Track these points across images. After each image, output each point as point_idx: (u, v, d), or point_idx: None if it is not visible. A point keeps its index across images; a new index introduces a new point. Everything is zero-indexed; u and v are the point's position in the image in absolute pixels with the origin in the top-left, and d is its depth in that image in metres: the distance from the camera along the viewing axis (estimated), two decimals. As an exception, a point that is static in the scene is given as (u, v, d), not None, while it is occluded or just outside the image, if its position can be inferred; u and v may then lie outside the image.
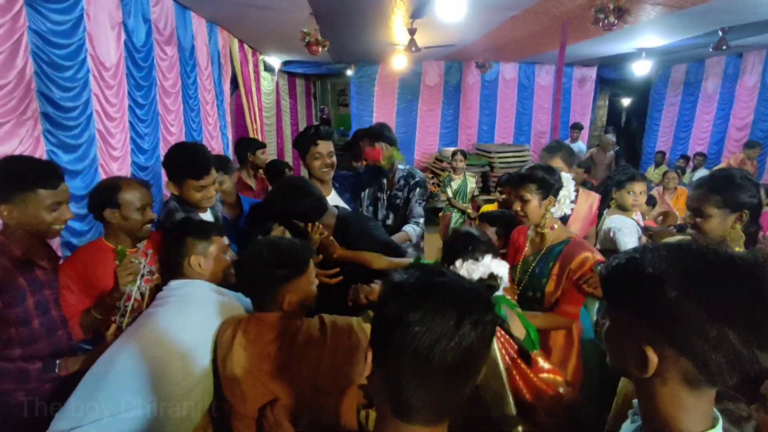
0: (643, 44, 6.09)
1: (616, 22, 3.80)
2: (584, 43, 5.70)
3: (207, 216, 1.94)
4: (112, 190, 1.54)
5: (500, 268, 1.39)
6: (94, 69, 2.46)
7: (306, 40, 4.42)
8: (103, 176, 2.48)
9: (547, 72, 8.26)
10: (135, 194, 1.55)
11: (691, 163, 6.87)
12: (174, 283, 1.41)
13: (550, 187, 1.69)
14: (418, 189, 2.73)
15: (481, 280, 1.35)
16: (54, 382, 1.38)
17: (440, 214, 5.16)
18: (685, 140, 8.03)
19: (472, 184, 4.95)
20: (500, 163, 7.24)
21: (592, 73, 8.52)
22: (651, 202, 4.25)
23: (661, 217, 4.11)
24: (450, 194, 4.84)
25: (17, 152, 1.94)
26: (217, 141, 4.43)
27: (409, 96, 8.24)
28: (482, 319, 0.65)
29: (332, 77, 10.53)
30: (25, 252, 1.37)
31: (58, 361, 1.38)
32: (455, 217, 4.83)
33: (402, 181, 2.72)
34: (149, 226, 1.61)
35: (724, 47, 5.17)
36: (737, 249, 1.49)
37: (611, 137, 7.16)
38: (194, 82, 3.85)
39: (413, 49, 4.90)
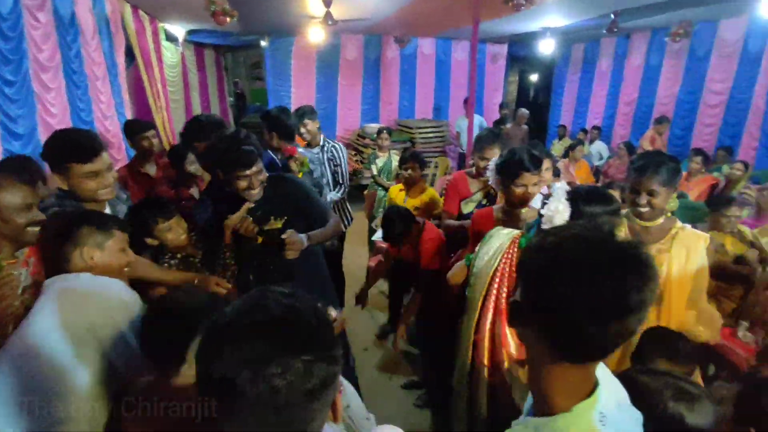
0: (548, 24, 6.46)
1: (524, 2, 3.97)
2: (496, 20, 5.89)
3: (106, 211, 1.73)
4: None
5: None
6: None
7: (211, 9, 4.06)
8: (-35, 169, 2.09)
9: (462, 48, 8.46)
10: (14, 192, 1.30)
11: (588, 136, 7.54)
12: (48, 281, 1.28)
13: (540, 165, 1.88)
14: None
15: None
16: None
17: (365, 192, 5.15)
18: (583, 114, 8.78)
19: (396, 161, 4.98)
20: (421, 138, 7.37)
21: (503, 50, 8.89)
22: (556, 173, 4.61)
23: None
24: (375, 171, 4.84)
25: None
26: (113, 122, 3.95)
27: (329, 70, 8.00)
28: (287, 366, 0.56)
29: (245, 49, 9.87)
30: None
31: None
32: (380, 195, 4.86)
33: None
34: (36, 228, 1.37)
35: (615, 29, 5.66)
36: (669, 215, 1.70)
37: (524, 111, 7.60)
38: (78, 54, 3.35)
39: (329, 22, 4.73)
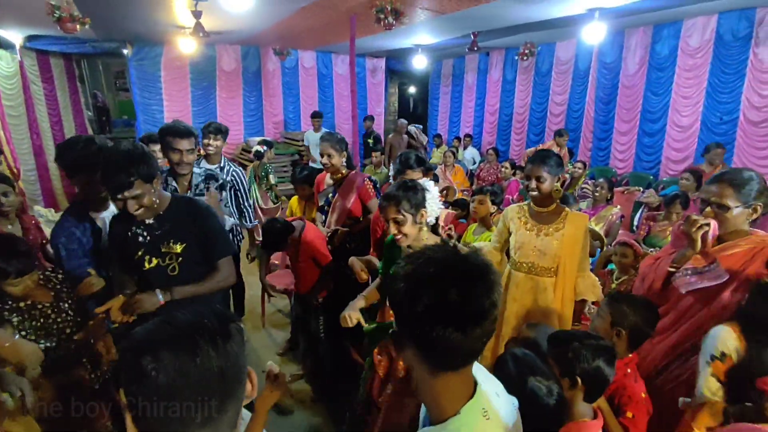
0: (419, 41, 7.00)
1: (394, 22, 4.26)
2: (372, 37, 6.20)
3: None
4: None
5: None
6: None
7: (56, 15, 3.60)
8: None
9: (342, 61, 8.69)
10: None
11: (462, 143, 8.30)
12: None
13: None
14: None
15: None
16: None
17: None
18: (457, 124, 9.65)
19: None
20: (308, 150, 7.37)
21: (381, 64, 9.35)
22: (435, 179, 5.02)
23: (445, 191, 4.90)
24: (273, 181, 5.12)
25: None
26: (-72, 144, 3.26)
27: (205, 82, 7.58)
28: (216, 336, 0.64)
29: (104, 56, 8.82)
30: None
31: None
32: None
33: (201, 185, 2.56)
34: None
35: (476, 48, 6.36)
36: (554, 204, 2.05)
37: (403, 121, 8.06)
38: None
39: (200, 34, 4.51)
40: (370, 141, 7.48)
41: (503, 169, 5.76)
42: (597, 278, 2.12)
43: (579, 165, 5.46)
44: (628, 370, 1.44)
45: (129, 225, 1.70)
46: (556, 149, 6.07)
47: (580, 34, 5.25)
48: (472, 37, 6.18)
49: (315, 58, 8.41)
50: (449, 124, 9.89)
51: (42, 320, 1.64)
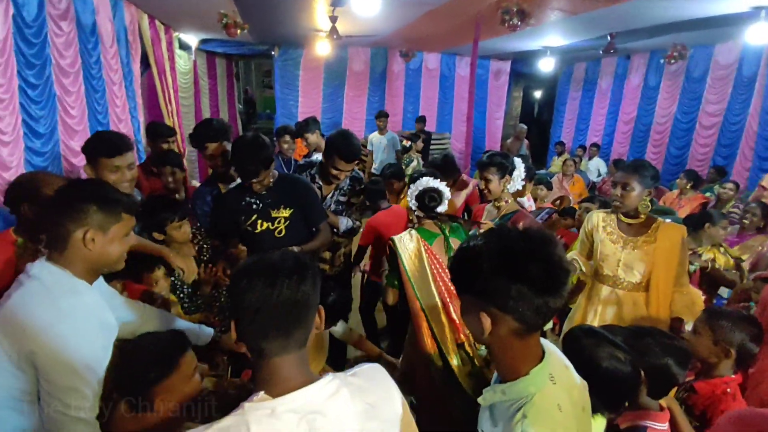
0: (547, 43, 6.66)
1: (519, 23, 4.16)
2: (497, 38, 6.10)
3: None
4: (31, 185, 1.48)
5: (439, 184, 1.95)
6: (-24, 45, 2.24)
7: (224, 22, 4.30)
8: (-9, 162, 2.29)
9: (466, 63, 8.64)
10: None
11: (587, 153, 7.68)
12: (36, 267, 1.13)
13: (506, 169, 2.14)
14: (361, 196, 2.79)
15: (423, 193, 1.94)
16: None
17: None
18: (584, 132, 8.92)
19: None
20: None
21: (506, 66, 9.10)
22: (549, 187, 4.77)
23: (558, 201, 4.64)
24: (409, 172, 5.55)
25: None
26: (126, 124, 4.17)
27: (336, 81, 8.24)
28: (293, 277, 0.81)
29: (257, 57, 10.16)
30: None
31: None
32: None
33: (348, 185, 2.64)
34: None
35: (612, 50, 5.84)
36: (643, 216, 1.91)
37: (522, 126, 7.76)
38: (97, 61, 3.57)
39: (335, 36, 4.95)
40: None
41: (630, 184, 5.21)
42: (700, 294, 1.88)
43: (730, 186, 4.69)
44: (728, 390, 1.41)
45: (243, 196, 2.11)
46: None
47: (745, 36, 4.49)
48: (608, 38, 5.70)
49: (439, 60, 8.55)
50: (575, 132, 9.20)
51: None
